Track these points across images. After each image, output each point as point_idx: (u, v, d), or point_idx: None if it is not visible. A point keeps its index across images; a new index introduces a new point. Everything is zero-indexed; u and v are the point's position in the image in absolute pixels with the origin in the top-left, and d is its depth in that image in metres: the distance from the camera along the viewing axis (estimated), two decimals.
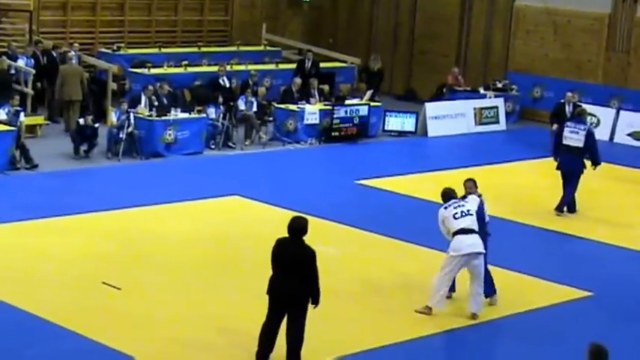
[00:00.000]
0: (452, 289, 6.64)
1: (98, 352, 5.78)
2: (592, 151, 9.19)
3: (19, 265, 7.22)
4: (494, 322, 6.58)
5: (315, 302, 5.58)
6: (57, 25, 13.57)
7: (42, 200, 8.85)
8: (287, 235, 5.58)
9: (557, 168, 9.38)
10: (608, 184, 10.66)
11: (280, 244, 5.63)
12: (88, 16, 13.86)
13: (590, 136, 9.22)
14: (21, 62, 11.81)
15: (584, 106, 11.14)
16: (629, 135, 13.28)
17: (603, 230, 8.93)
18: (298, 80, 12.68)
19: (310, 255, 5.53)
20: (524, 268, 7.61)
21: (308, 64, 12.87)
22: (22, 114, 10.57)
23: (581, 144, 9.13)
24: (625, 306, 7.09)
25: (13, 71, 11.77)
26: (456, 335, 6.37)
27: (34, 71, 11.82)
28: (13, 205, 8.64)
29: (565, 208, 9.31)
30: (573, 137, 9.21)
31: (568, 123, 9.52)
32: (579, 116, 9.59)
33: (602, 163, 9.38)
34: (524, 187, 10.64)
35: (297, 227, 5.54)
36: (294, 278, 5.52)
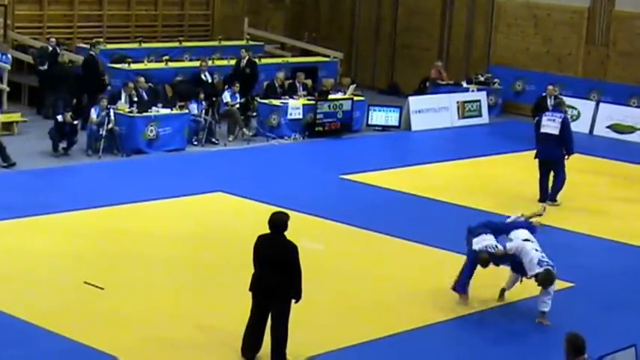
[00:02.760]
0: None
1: (80, 353, 5.66)
2: (565, 140, 9.35)
3: None
4: (476, 314, 6.57)
5: (297, 297, 5.53)
6: (33, 19, 13.29)
7: (21, 199, 8.67)
8: (269, 230, 5.54)
9: (535, 156, 9.51)
10: (587, 176, 10.72)
11: (262, 239, 5.59)
12: (66, 11, 13.63)
13: (565, 123, 9.38)
14: None
15: (564, 98, 11.29)
16: (608, 127, 13.36)
17: (583, 221, 8.98)
18: (281, 75, 12.60)
19: (291, 250, 5.48)
20: None
21: (243, 63, 12.63)
22: None
23: (557, 132, 9.30)
24: (605, 296, 7.13)
25: None
26: (440, 328, 6.36)
27: (8, 67, 11.61)
28: None
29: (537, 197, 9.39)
30: (550, 125, 9.40)
31: (547, 112, 9.78)
32: (558, 106, 9.88)
33: (574, 153, 9.48)
34: (506, 180, 10.69)
35: (278, 222, 5.51)
36: (276, 274, 5.48)
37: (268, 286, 5.50)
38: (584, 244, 8.42)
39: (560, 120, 9.36)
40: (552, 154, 9.33)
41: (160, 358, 5.73)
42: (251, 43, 14.68)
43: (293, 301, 5.52)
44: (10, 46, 12.11)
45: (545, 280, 6.30)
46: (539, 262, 6.34)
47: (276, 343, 5.55)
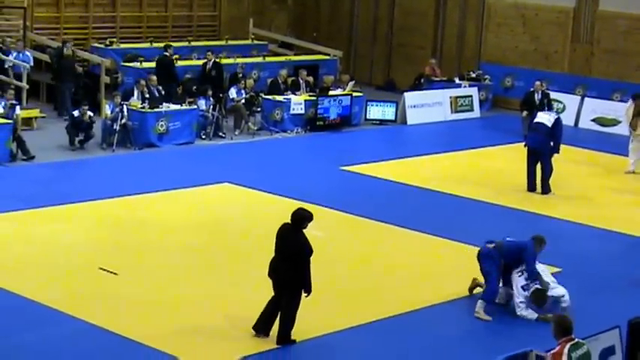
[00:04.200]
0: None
1: (94, 334, 5.66)
2: (555, 135, 9.35)
3: (18, 253, 7.04)
4: (467, 298, 6.52)
5: (307, 290, 5.57)
6: (51, 21, 13.25)
7: (39, 190, 8.65)
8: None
9: (525, 145, 9.52)
10: (573, 166, 10.69)
11: (283, 229, 5.63)
12: (81, 12, 13.59)
13: (558, 120, 9.43)
14: (11, 57, 11.55)
15: (552, 95, 11.27)
16: (592, 120, 13.29)
17: (571, 210, 8.96)
18: (284, 72, 12.51)
19: (303, 248, 5.47)
20: None
21: (209, 65, 12.37)
22: (17, 107, 10.29)
23: (549, 124, 9.31)
24: (591, 280, 7.11)
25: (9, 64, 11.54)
26: (435, 311, 6.33)
27: (28, 66, 11.55)
28: (11, 195, 8.43)
29: (533, 187, 9.40)
30: (544, 117, 9.47)
31: (544, 112, 9.99)
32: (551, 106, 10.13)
33: (559, 152, 9.45)
34: (497, 171, 10.65)
35: (296, 218, 5.56)
36: (287, 262, 5.51)
37: (278, 272, 5.55)
38: (571, 231, 8.39)
39: (554, 117, 9.43)
40: (541, 143, 9.29)
41: (170, 340, 5.69)
42: (256, 42, 14.60)
43: (304, 295, 5.54)
44: (26, 46, 12.01)
45: (539, 298, 6.17)
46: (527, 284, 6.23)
47: (282, 326, 5.61)
